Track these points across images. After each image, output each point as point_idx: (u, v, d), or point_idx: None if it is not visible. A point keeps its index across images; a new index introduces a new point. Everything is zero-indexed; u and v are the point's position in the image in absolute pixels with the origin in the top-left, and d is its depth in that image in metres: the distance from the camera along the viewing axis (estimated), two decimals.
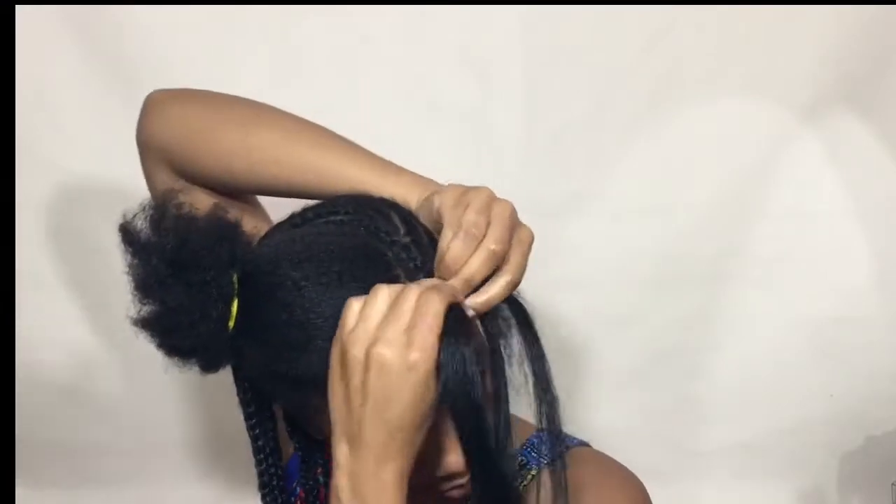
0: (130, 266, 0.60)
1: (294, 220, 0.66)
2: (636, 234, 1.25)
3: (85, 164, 1.22)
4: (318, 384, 0.59)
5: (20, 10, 1.09)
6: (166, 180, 0.74)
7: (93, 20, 1.14)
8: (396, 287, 0.57)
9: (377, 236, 0.62)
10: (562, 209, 1.24)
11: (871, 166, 1.21)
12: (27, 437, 1.28)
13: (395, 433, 0.55)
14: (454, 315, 0.56)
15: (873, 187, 1.23)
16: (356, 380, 0.55)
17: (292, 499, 0.79)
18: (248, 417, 0.70)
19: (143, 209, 0.61)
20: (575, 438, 0.81)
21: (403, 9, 1.13)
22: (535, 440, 0.78)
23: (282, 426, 0.75)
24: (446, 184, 0.65)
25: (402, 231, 0.63)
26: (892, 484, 1.30)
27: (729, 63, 1.16)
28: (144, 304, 0.60)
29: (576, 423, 1.34)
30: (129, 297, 0.61)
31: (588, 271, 1.27)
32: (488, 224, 0.60)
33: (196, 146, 0.71)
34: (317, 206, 0.67)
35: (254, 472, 0.74)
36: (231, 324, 0.60)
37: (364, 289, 0.58)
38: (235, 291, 0.60)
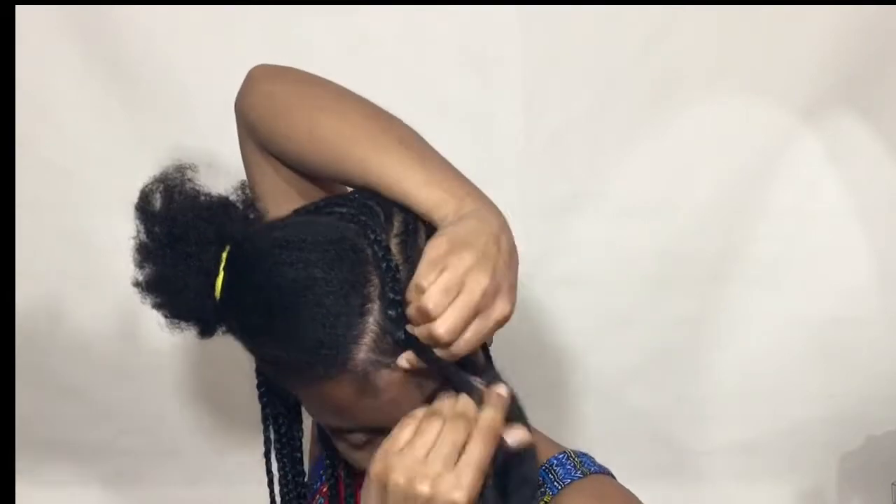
0: (137, 230, 0.64)
1: (309, 207, 0.68)
2: (636, 234, 1.24)
3: (85, 164, 1.22)
4: (279, 366, 0.63)
5: (20, 10, 1.09)
6: (252, 152, 0.75)
7: (93, 20, 1.14)
8: (439, 417, 0.59)
9: (364, 232, 0.62)
10: (562, 209, 1.23)
11: (871, 166, 1.21)
12: (27, 436, 1.28)
13: None
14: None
15: (873, 187, 1.23)
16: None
17: (316, 485, 0.80)
18: (258, 386, 0.72)
19: (157, 180, 0.65)
20: (595, 464, 0.77)
21: (403, 9, 1.13)
22: (554, 461, 0.76)
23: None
24: (466, 212, 0.63)
25: (393, 232, 0.64)
26: (893, 484, 1.30)
27: (729, 63, 1.16)
28: (141, 268, 0.64)
29: (576, 423, 1.35)
30: (132, 289, 0.64)
31: (588, 271, 1.26)
32: (456, 295, 0.58)
33: (274, 128, 0.72)
34: (332, 196, 0.69)
35: (254, 472, 0.74)
36: (217, 296, 0.63)
37: (327, 280, 0.59)
38: (221, 266, 0.63)
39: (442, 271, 0.58)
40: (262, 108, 0.73)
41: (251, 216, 0.66)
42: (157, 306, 0.64)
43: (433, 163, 0.68)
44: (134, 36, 1.15)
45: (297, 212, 0.68)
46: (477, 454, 0.57)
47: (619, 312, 1.30)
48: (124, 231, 0.65)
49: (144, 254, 0.63)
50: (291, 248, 0.61)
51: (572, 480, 0.74)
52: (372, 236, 0.62)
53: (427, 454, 0.57)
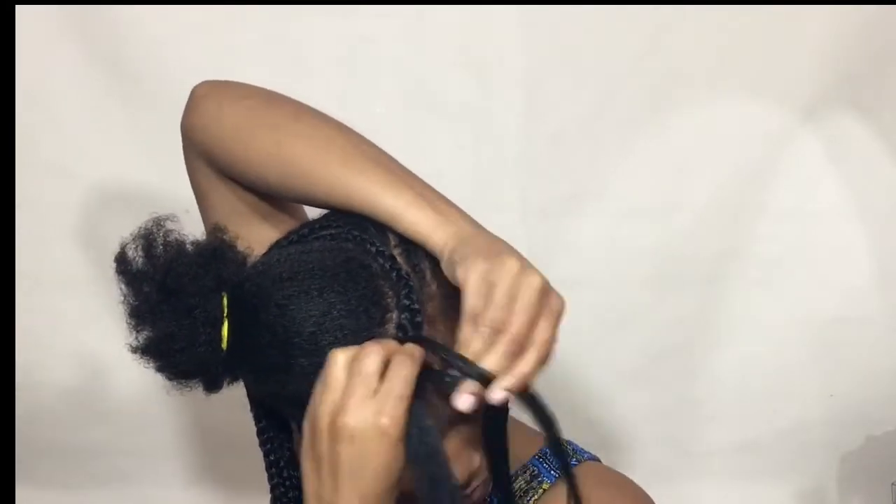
0: (124, 295, 0.60)
1: (291, 237, 0.65)
2: (636, 234, 1.24)
3: (84, 163, 1.22)
4: (305, 402, 0.59)
5: (20, 10, 1.09)
6: (205, 175, 0.72)
7: (93, 20, 1.14)
8: (352, 350, 0.55)
9: (363, 248, 0.61)
10: (562, 209, 1.24)
11: (871, 166, 1.21)
12: (27, 437, 1.28)
13: (369, 499, 0.55)
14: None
15: (873, 187, 1.23)
16: (323, 449, 0.55)
17: None
18: (259, 433, 0.69)
19: (134, 238, 0.61)
20: (586, 451, 0.79)
21: (403, 9, 1.13)
22: (547, 450, 0.77)
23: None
24: (469, 232, 0.60)
25: (392, 243, 0.62)
26: (893, 484, 1.30)
27: (729, 63, 1.16)
28: (139, 332, 0.60)
29: (576, 423, 1.35)
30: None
31: (588, 271, 1.26)
32: (513, 309, 0.56)
33: (230, 149, 0.68)
34: (312, 221, 0.66)
35: (253, 473, 0.74)
36: (224, 346, 0.60)
37: (345, 301, 0.57)
38: (225, 314, 0.60)
39: (492, 287, 0.56)
40: (213, 130, 0.68)
41: (242, 257, 0.63)
42: (162, 369, 0.61)
43: (415, 182, 0.64)
44: (134, 36, 1.14)
45: (278, 244, 0.65)
46: (398, 379, 0.54)
47: (619, 312, 1.30)
48: (124, 230, 0.64)
49: (138, 317, 0.60)
50: (299, 278, 0.59)
51: None
52: (373, 249, 0.60)
53: (344, 391, 0.54)
